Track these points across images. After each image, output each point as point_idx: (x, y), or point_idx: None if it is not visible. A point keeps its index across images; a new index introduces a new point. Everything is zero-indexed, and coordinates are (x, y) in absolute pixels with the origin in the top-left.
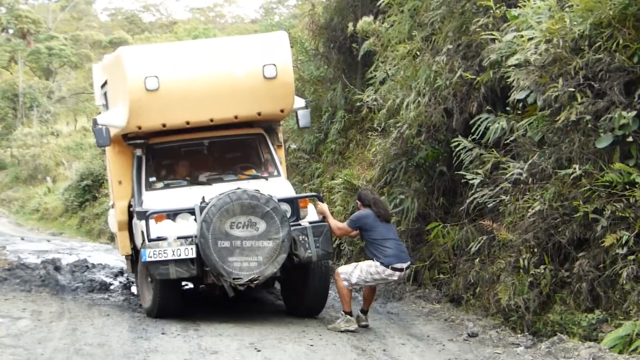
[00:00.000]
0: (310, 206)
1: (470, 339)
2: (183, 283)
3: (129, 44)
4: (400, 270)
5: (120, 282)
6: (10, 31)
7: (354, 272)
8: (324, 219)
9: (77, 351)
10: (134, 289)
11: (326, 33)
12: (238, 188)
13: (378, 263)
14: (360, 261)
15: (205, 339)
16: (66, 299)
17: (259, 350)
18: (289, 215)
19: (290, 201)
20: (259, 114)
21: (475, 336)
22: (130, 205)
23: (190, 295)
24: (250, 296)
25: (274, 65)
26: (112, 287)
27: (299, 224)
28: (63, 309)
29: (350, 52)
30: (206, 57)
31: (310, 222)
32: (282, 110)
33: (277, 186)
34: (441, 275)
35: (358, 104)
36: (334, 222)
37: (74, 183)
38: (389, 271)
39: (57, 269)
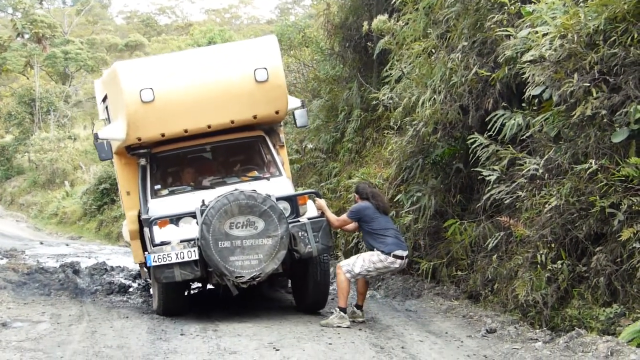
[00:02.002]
0: (310, 203)
1: (488, 335)
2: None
3: (145, 47)
4: (401, 258)
5: (139, 285)
6: (26, 36)
7: (356, 262)
8: (322, 214)
9: (97, 354)
10: (152, 291)
11: (341, 32)
12: (236, 189)
13: (380, 252)
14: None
15: (224, 339)
16: (85, 302)
17: (277, 350)
18: (288, 212)
19: (288, 199)
20: (255, 117)
21: (493, 332)
22: (140, 215)
23: (208, 296)
24: (268, 297)
25: (265, 68)
26: (130, 290)
27: (298, 221)
28: (82, 312)
29: (366, 51)
30: (199, 65)
31: (309, 218)
32: (277, 112)
33: (277, 186)
34: (459, 272)
35: (374, 102)
36: (331, 215)
37: (92, 187)
38: (390, 259)
39: (76, 272)
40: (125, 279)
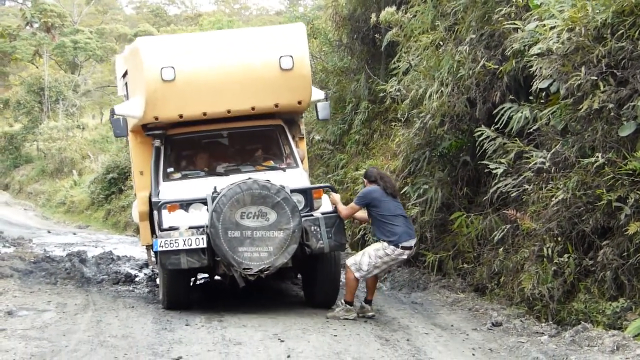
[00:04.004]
0: (325, 198)
1: (494, 328)
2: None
3: None
4: (409, 248)
5: (145, 274)
6: (35, 25)
7: (363, 260)
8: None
9: (102, 343)
10: (158, 281)
11: (349, 24)
12: (249, 178)
13: (386, 244)
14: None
15: (229, 330)
16: (91, 291)
17: (282, 341)
18: (301, 205)
19: (303, 192)
20: (276, 105)
21: (499, 325)
22: (151, 196)
23: (214, 287)
24: (274, 288)
25: (291, 56)
26: (137, 279)
27: (312, 215)
28: (88, 301)
29: (374, 42)
30: (223, 48)
31: (323, 213)
32: (299, 102)
33: (292, 177)
34: (465, 265)
35: (381, 94)
36: (341, 206)
37: (100, 176)
38: (398, 250)
39: (83, 261)
40: (132, 268)
